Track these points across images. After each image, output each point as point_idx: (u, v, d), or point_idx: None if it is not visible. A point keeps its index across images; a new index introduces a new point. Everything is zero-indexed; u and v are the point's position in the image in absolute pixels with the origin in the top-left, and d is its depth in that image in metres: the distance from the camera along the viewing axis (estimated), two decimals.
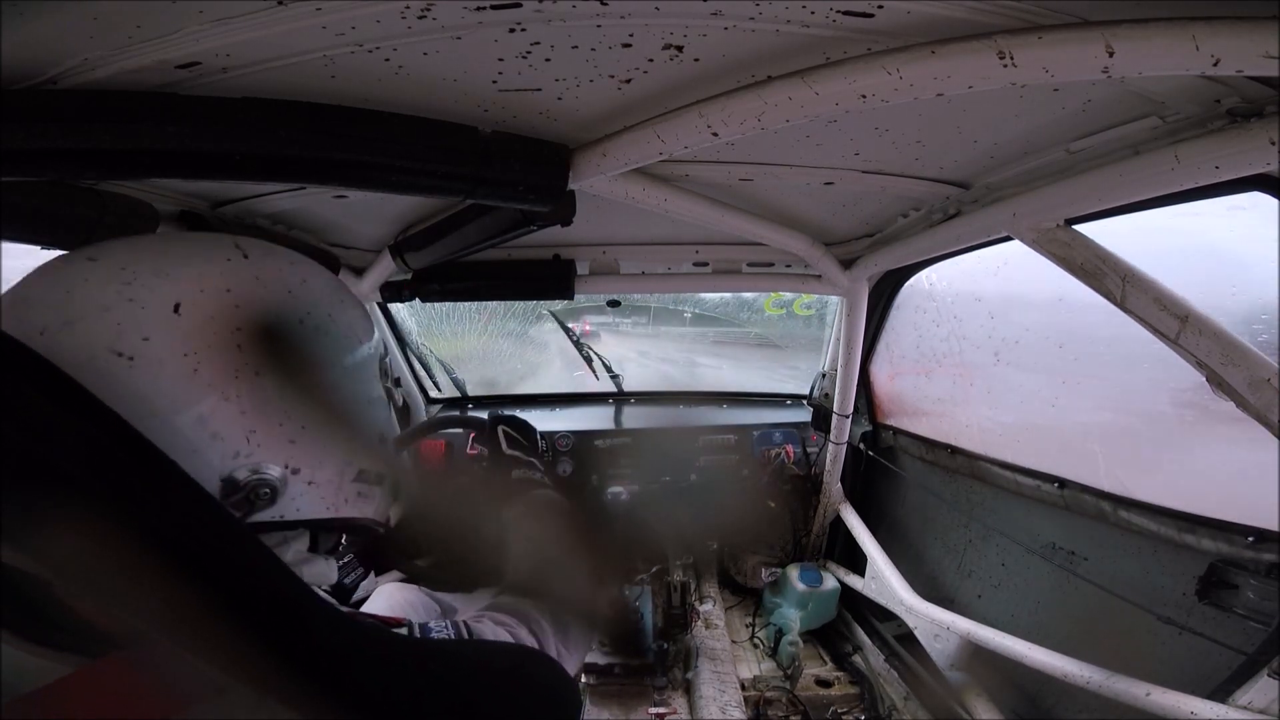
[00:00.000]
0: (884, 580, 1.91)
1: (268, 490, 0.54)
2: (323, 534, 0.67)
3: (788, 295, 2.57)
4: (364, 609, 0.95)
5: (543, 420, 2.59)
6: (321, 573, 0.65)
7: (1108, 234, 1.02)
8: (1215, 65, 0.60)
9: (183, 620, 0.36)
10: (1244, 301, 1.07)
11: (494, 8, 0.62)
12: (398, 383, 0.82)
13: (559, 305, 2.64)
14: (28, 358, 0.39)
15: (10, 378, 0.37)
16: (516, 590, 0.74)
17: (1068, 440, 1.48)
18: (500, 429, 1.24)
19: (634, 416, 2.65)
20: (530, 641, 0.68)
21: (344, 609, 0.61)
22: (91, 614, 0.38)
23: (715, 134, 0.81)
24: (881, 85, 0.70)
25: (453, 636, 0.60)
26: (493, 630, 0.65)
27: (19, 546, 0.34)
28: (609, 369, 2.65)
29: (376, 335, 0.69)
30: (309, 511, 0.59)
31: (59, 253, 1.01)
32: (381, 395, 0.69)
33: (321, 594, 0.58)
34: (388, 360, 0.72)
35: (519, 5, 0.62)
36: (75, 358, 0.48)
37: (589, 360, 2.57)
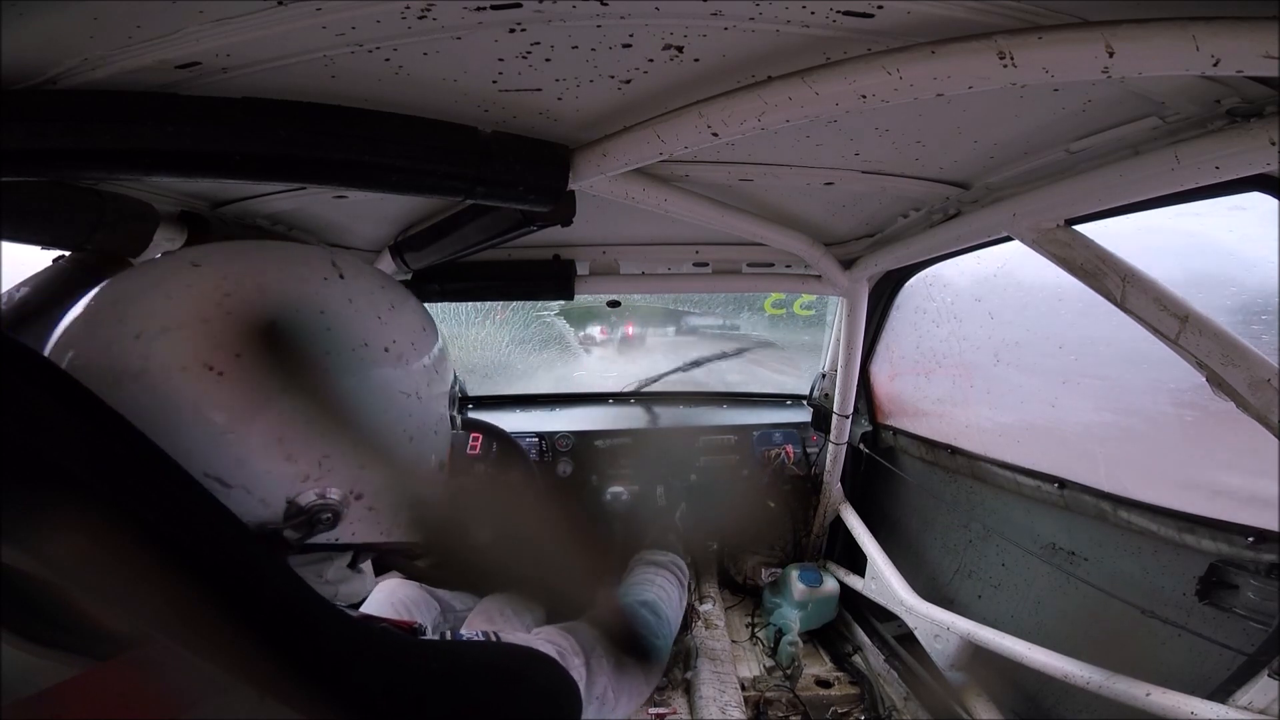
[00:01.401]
0: (884, 580, 1.91)
1: (329, 515, 0.54)
2: (364, 552, 0.67)
3: (788, 295, 2.57)
4: (363, 607, 0.95)
5: (543, 420, 2.59)
6: (357, 590, 0.66)
7: (1108, 234, 1.02)
8: (1215, 65, 0.60)
9: (185, 620, 0.36)
10: (1244, 301, 1.07)
11: (494, 8, 0.62)
12: (461, 405, 0.83)
13: (557, 306, 2.65)
14: (29, 358, 0.39)
15: (11, 377, 0.37)
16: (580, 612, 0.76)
17: (1068, 440, 1.48)
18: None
19: (634, 416, 2.65)
20: (579, 670, 0.69)
21: (348, 610, 0.61)
22: (93, 614, 0.38)
23: (715, 134, 0.81)
24: (881, 85, 0.70)
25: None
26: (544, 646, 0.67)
27: (20, 546, 0.34)
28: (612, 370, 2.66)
29: (450, 362, 0.70)
30: (363, 536, 0.59)
31: (58, 252, 1.01)
32: (446, 417, 0.69)
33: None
34: (456, 388, 0.73)
35: (519, 5, 0.62)
36: (166, 364, 0.48)
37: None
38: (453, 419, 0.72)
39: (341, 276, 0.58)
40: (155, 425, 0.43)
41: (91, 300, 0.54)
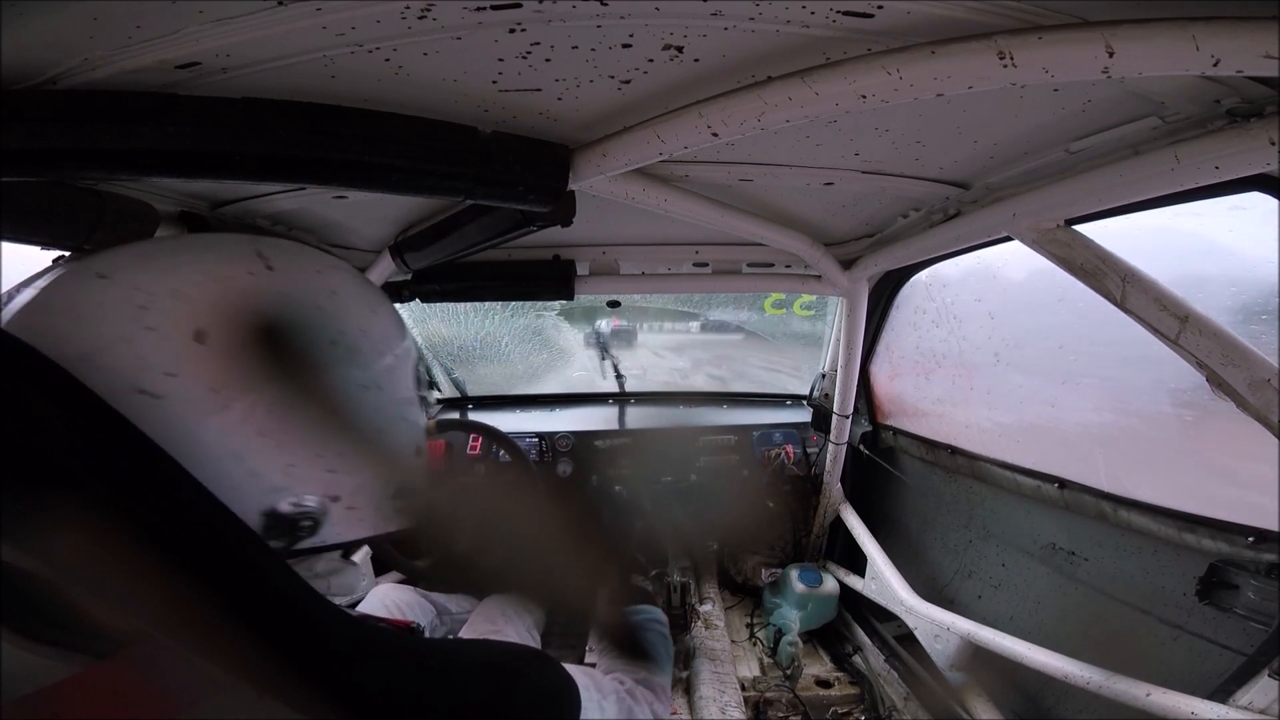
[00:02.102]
0: (884, 581, 1.91)
1: (310, 522, 0.53)
2: (354, 545, 0.65)
3: (788, 295, 2.57)
4: (359, 609, 0.95)
5: (543, 420, 2.59)
6: (350, 583, 0.65)
7: (1109, 234, 1.02)
8: (1215, 65, 0.60)
9: (184, 619, 0.36)
10: (1244, 301, 1.07)
11: (494, 8, 0.62)
12: (430, 384, 0.80)
13: (557, 306, 2.65)
14: (28, 356, 0.39)
15: (10, 377, 0.37)
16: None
17: (1068, 440, 1.48)
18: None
19: (634, 416, 2.65)
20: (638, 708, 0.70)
21: (346, 609, 0.61)
22: (92, 613, 0.38)
23: (715, 134, 0.81)
24: (881, 85, 0.70)
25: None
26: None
27: (20, 545, 0.34)
28: (616, 370, 2.65)
29: (409, 338, 0.66)
30: (350, 534, 0.57)
31: (58, 252, 1.01)
32: (415, 401, 0.66)
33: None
34: (421, 364, 0.71)
35: (519, 5, 0.62)
36: (104, 393, 0.43)
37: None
38: (423, 399, 0.68)
39: (270, 268, 0.53)
40: None
41: (30, 310, 0.50)
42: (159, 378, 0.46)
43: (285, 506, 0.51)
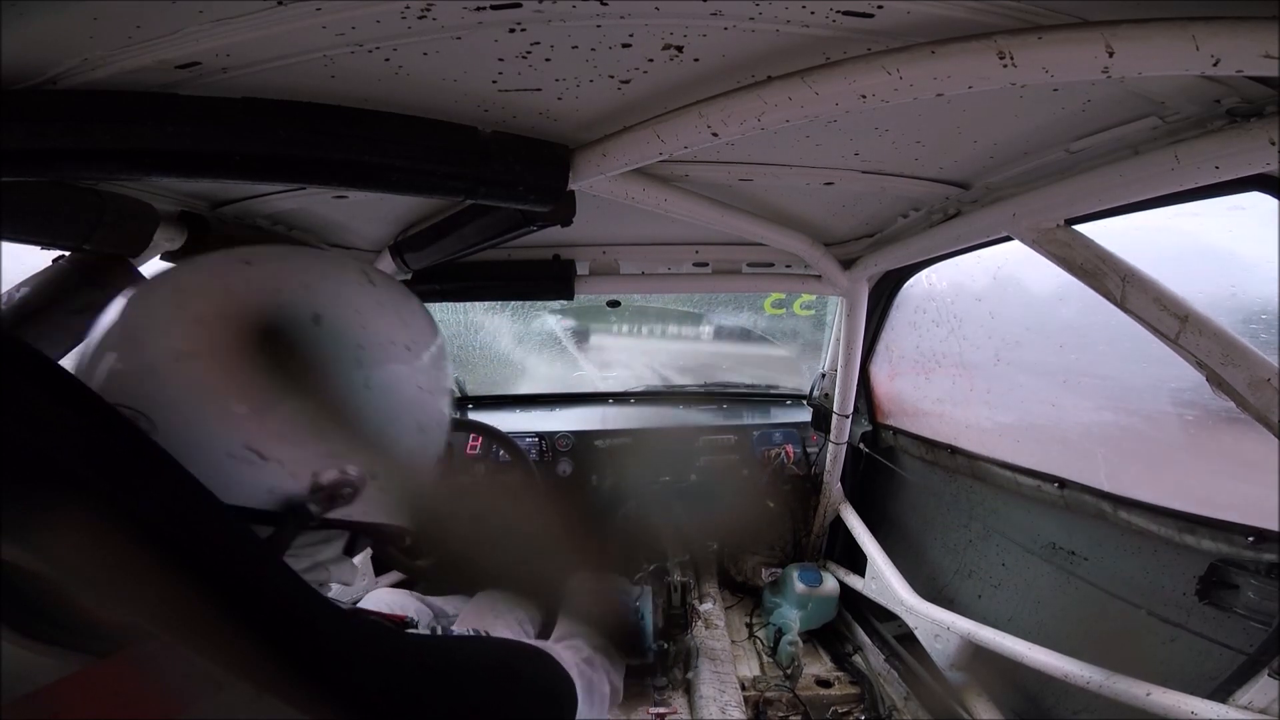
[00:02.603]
0: (884, 580, 1.91)
1: (349, 490, 0.58)
2: (361, 538, 0.69)
3: (788, 295, 2.57)
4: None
5: (543, 420, 2.59)
6: (346, 574, 0.68)
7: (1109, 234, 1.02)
8: (1215, 65, 0.60)
9: (183, 617, 0.36)
10: (1243, 301, 1.07)
11: (494, 8, 0.62)
12: (462, 406, 0.89)
13: (558, 306, 2.65)
14: (29, 357, 0.39)
15: (11, 377, 0.37)
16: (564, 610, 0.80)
17: (1068, 440, 1.48)
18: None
19: (634, 416, 2.65)
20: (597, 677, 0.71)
21: (346, 607, 0.61)
22: (92, 611, 0.38)
23: (715, 134, 0.81)
24: (881, 85, 0.70)
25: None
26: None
27: (19, 543, 0.34)
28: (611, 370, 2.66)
29: (449, 361, 0.75)
30: (374, 515, 0.62)
31: (58, 252, 1.01)
32: (447, 416, 0.73)
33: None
34: (453, 386, 0.77)
35: (519, 5, 0.62)
36: (215, 350, 0.53)
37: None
38: (448, 415, 0.75)
39: (371, 283, 0.64)
40: (204, 401, 0.51)
41: (142, 294, 0.60)
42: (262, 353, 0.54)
43: (333, 473, 0.57)
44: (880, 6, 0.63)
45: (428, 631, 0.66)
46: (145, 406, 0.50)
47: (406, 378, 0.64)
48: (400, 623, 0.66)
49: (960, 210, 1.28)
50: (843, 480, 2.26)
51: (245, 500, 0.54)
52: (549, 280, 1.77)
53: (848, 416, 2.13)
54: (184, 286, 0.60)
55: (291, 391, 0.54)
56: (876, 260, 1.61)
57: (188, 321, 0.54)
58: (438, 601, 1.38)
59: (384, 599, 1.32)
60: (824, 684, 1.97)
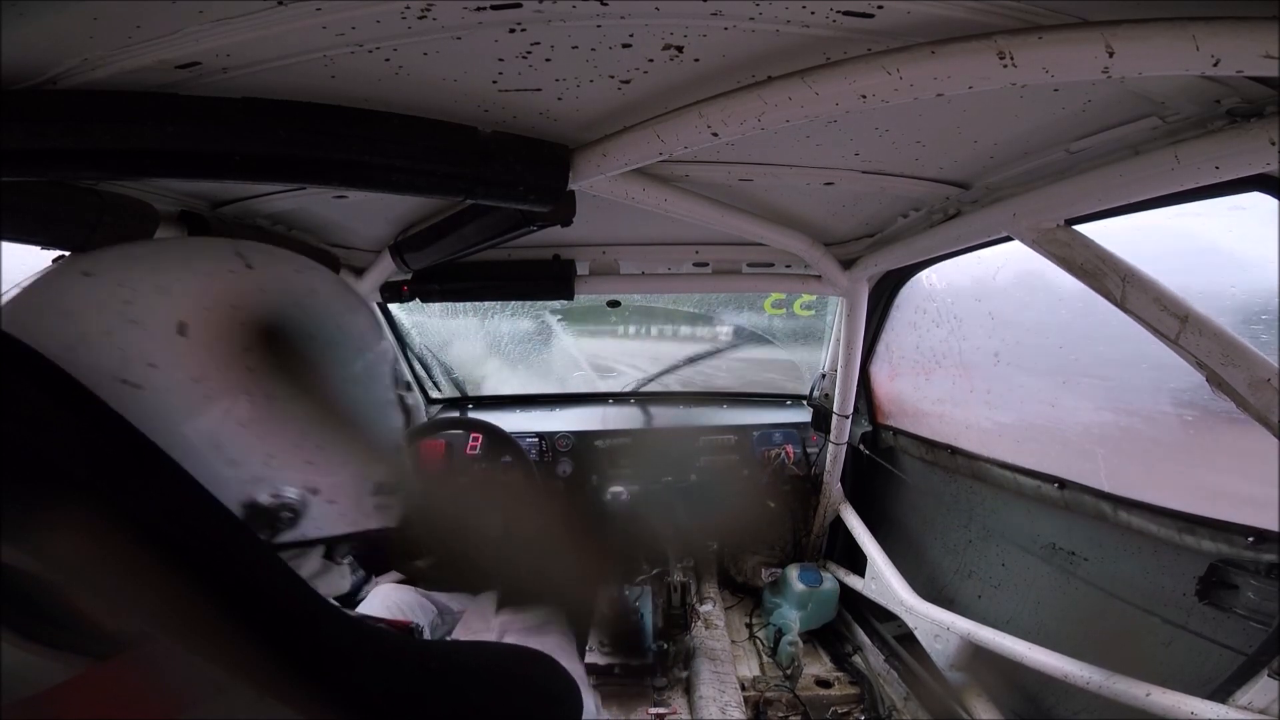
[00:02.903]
0: (884, 580, 1.91)
1: (290, 513, 0.53)
2: (338, 546, 0.65)
3: (788, 295, 2.57)
4: (359, 610, 0.95)
5: (543, 420, 2.59)
6: (335, 584, 0.65)
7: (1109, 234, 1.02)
8: (1215, 65, 0.60)
9: (184, 620, 0.36)
10: (1244, 301, 1.07)
11: (494, 8, 0.62)
12: (408, 386, 0.80)
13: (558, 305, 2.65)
14: (29, 357, 0.39)
15: (10, 377, 0.37)
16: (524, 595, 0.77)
17: (1068, 440, 1.48)
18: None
19: (634, 416, 2.65)
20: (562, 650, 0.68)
21: (347, 611, 0.61)
22: (93, 613, 0.38)
23: (715, 134, 0.81)
24: (881, 85, 0.70)
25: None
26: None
27: (20, 545, 0.34)
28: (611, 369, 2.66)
29: (386, 340, 0.68)
30: (331, 529, 0.57)
31: (58, 252, 1.01)
32: (393, 402, 0.67)
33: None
34: (398, 365, 0.71)
35: (519, 5, 0.62)
36: (92, 378, 0.45)
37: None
38: (401, 399, 0.69)
39: (249, 266, 0.56)
40: None
41: (18, 306, 0.52)
42: (141, 368, 0.47)
43: (265, 498, 0.52)
44: (880, 6, 0.63)
45: (437, 635, 0.64)
46: None
47: (323, 372, 0.58)
48: (405, 629, 0.65)
49: (960, 210, 1.28)
50: (843, 480, 2.26)
51: None
52: (549, 280, 1.77)
53: (848, 417, 2.13)
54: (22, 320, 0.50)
55: (190, 416, 0.49)
56: (876, 260, 1.61)
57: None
58: (441, 598, 1.38)
59: (389, 595, 1.32)
60: (824, 684, 1.97)
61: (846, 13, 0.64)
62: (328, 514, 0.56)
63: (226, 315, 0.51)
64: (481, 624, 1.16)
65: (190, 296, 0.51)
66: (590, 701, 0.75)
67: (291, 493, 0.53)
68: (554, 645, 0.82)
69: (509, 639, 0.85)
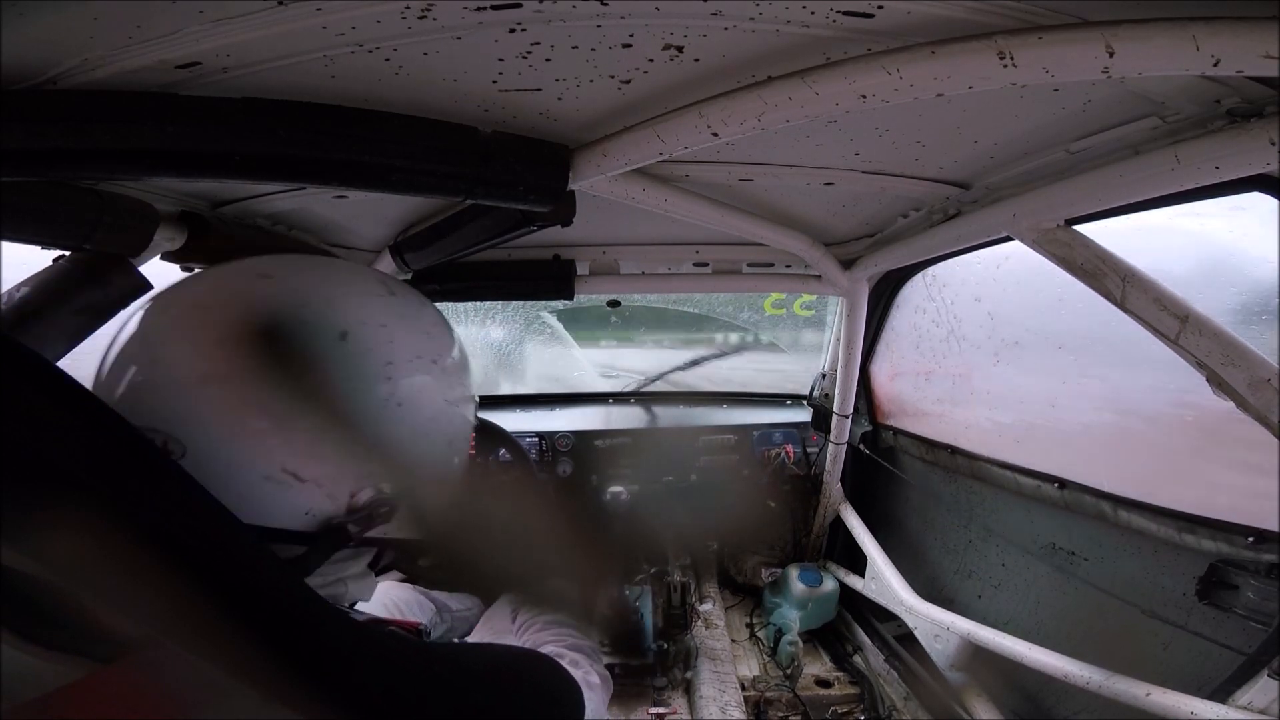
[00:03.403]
0: (884, 580, 1.91)
1: (386, 509, 0.58)
2: (386, 553, 0.69)
3: (788, 295, 2.57)
4: (358, 607, 0.95)
5: (543, 420, 2.59)
6: (366, 591, 0.68)
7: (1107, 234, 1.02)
8: (1215, 65, 0.60)
9: (187, 623, 0.36)
10: (1244, 301, 1.07)
11: (494, 8, 0.62)
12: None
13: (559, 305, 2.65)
14: (28, 358, 0.39)
15: (10, 378, 0.37)
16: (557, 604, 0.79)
17: (1068, 440, 1.48)
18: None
19: (634, 416, 2.65)
20: (586, 668, 0.71)
21: (349, 612, 0.61)
22: (95, 616, 0.38)
23: (715, 134, 0.81)
24: (881, 85, 0.70)
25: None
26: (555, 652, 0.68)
27: (21, 548, 0.34)
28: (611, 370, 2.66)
29: (470, 371, 0.74)
30: (407, 531, 0.62)
31: (58, 252, 1.01)
32: (470, 428, 0.72)
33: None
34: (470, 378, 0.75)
35: (519, 5, 0.62)
36: (245, 371, 0.53)
37: None
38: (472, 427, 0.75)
39: (392, 294, 0.63)
40: (239, 427, 0.50)
41: (157, 306, 0.59)
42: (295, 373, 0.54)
43: (369, 493, 0.57)
44: (880, 6, 0.63)
45: (435, 634, 0.66)
46: (173, 429, 0.50)
47: (434, 391, 0.63)
48: (414, 630, 0.66)
49: (960, 210, 1.28)
50: (843, 480, 2.26)
51: (282, 522, 0.54)
52: (549, 280, 1.77)
53: (848, 417, 2.13)
54: (204, 303, 0.58)
55: (323, 412, 0.54)
56: (877, 260, 1.61)
57: (210, 342, 0.53)
58: (441, 596, 1.38)
59: (388, 593, 1.31)
60: (824, 684, 1.98)
61: (846, 13, 0.64)
62: (408, 517, 0.62)
63: (375, 334, 0.59)
64: (504, 624, 1.16)
65: (354, 309, 0.59)
66: (598, 699, 0.77)
67: (389, 490, 0.59)
68: (574, 644, 0.83)
69: (528, 638, 0.87)
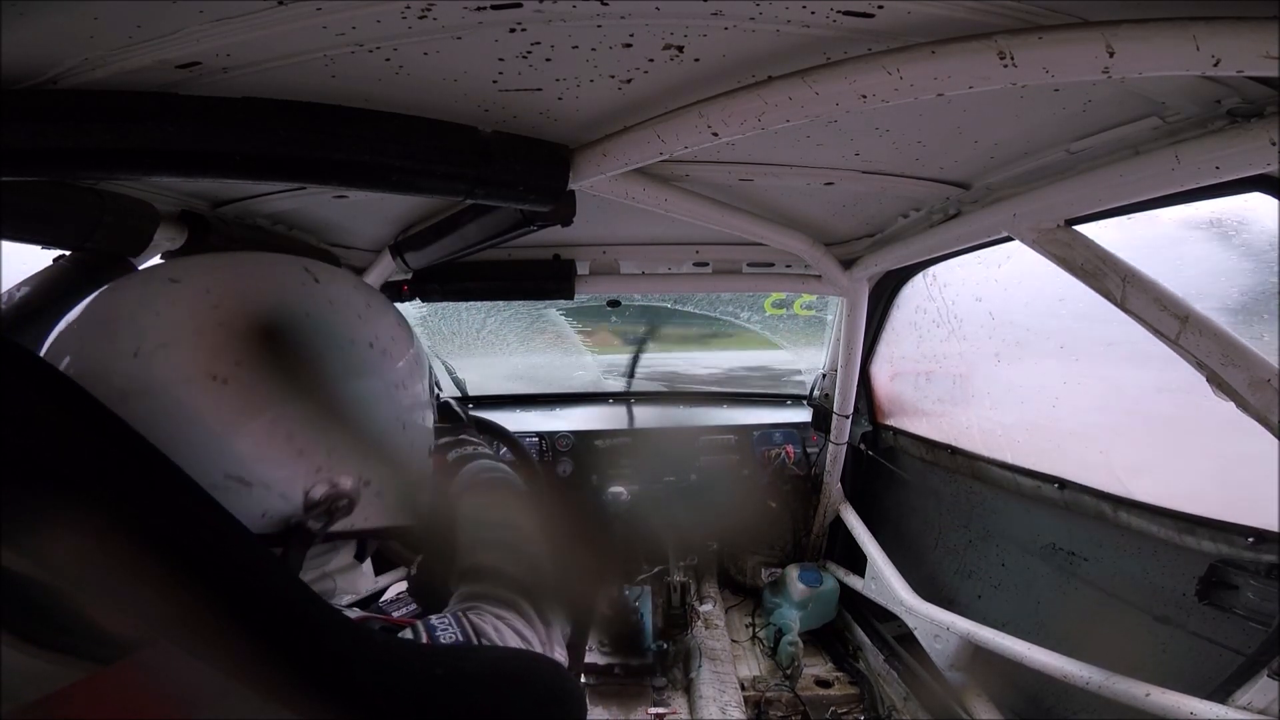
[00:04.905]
0: (884, 580, 1.91)
1: (345, 501, 0.57)
2: (369, 541, 0.69)
3: (788, 295, 2.57)
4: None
5: (543, 420, 2.59)
6: (356, 585, 0.67)
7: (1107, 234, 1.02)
8: (1215, 65, 0.60)
9: (188, 624, 0.36)
10: (1244, 301, 1.07)
11: (494, 8, 0.62)
12: (462, 406, 0.84)
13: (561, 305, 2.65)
14: (29, 361, 0.39)
15: (10, 379, 0.37)
16: (498, 579, 0.75)
17: (1068, 440, 1.48)
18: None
19: (634, 416, 2.65)
20: (525, 631, 0.68)
21: (348, 613, 0.61)
22: (96, 618, 0.38)
23: (715, 134, 0.81)
24: (881, 85, 0.70)
25: (460, 638, 0.60)
26: (493, 625, 0.65)
27: (21, 549, 0.34)
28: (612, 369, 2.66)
29: (425, 353, 0.73)
30: (375, 521, 0.61)
31: (58, 252, 1.01)
32: (430, 410, 0.71)
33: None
34: (434, 378, 0.75)
35: (519, 5, 0.62)
36: (171, 379, 0.51)
37: None
38: (434, 400, 0.74)
39: (316, 280, 0.61)
40: (171, 436, 0.46)
41: (79, 319, 0.56)
42: (229, 365, 0.52)
43: (324, 487, 0.56)
44: (880, 6, 0.63)
45: (448, 633, 0.64)
46: None
47: (378, 376, 0.62)
48: (409, 625, 0.65)
49: (960, 210, 1.28)
50: (843, 480, 2.26)
51: None
52: (549, 280, 1.77)
53: (848, 417, 2.13)
54: (111, 316, 0.55)
55: (259, 413, 0.53)
56: (877, 260, 1.61)
57: (124, 358, 0.51)
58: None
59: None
60: (824, 684, 1.98)
61: (846, 13, 0.64)
62: (375, 506, 0.61)
63: (303, 322, 0.57)
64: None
65: (270, 303, 0.57)
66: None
67: (347, 483, 0.57)
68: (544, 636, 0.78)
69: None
